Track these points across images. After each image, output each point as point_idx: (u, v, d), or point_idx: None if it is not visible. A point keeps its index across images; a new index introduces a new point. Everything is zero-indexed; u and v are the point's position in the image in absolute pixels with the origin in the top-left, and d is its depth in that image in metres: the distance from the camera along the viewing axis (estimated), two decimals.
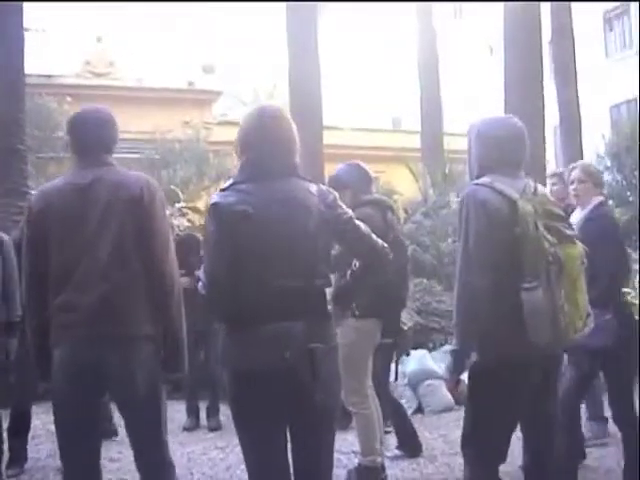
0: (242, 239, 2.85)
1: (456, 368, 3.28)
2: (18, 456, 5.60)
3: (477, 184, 3.22)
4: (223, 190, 2.98)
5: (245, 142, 3.04)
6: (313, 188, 3.01)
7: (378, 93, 27.31)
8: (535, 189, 3.26)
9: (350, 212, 3.08)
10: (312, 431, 2.97)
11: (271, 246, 2.86)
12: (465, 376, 3.35)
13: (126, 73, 21.41)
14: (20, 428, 5.67)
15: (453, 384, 3.35)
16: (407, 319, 5.18)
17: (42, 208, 3.28)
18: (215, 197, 2.96)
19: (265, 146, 2.98)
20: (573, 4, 15.17)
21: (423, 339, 8.37)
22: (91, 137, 3.38)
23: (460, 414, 6.82)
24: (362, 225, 3.09)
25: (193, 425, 6.97)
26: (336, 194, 3.09)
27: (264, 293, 2.84)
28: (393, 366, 5.39)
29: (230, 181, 3.02)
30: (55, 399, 3.29)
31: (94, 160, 3.35)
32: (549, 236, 3.07)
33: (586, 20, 21.89)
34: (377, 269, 3.17)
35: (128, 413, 3.31)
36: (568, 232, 3.22)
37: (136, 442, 3.33)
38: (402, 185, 15.12)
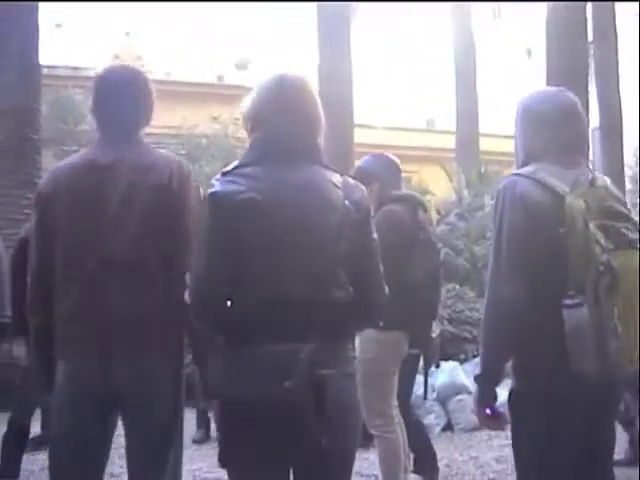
0: (246, 234, 2.28)
1: (482, 398, 2.63)
2: (10, 470, 5.13)
3: (517, 174, 2.63)
4: (225, 174, 2.39)
5: (258, 115, 2.45)
6: (338, 179, 2.42)
7: (412, 92, 26.86)
8: (593, 180, 2.61)
9: (375, 235, 2.47)
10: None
11: (283, 244, 2.29)
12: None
13: (154, 67, 21.15)
14: (19, 439, 5.23)
15: (483, 416, 2.67)
16: (434, 327, 4.58)
17: (52, 189, 2.77)
18: (215, 184, 2.36)
19: (283, 120, 2.40)
20: (616, 5, 14.68)
21: (454, 350, 7.85)
22: (121, 106, 2.83)
23: (493, 433, 6.42)
24: (378, 255, 2.48)
25: (203, 438, 6.56)
26: (364, 189, 2.50)
27: (269, 301, 2.26)
28: (422, 379, 4.83)
29: (235, 163, 2.44)
30: (55, 427, 2.80)
31: (121, 136, 2.82)
32: (603, 240, 2.43)
33: (629, 22, 21.28)
34: (367, 308, 2.47)
35: (136, 441, 2.78)
36: (631, 235, 2.56)
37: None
38: (435, 186, 14.56)
